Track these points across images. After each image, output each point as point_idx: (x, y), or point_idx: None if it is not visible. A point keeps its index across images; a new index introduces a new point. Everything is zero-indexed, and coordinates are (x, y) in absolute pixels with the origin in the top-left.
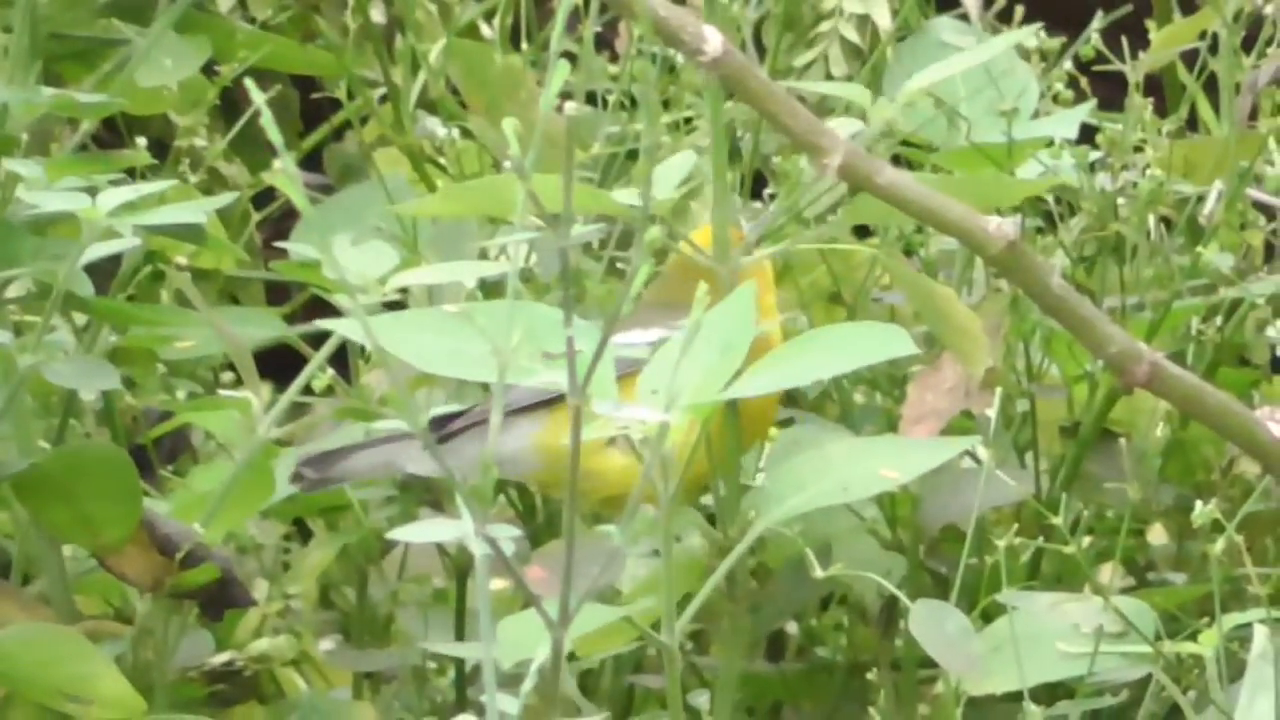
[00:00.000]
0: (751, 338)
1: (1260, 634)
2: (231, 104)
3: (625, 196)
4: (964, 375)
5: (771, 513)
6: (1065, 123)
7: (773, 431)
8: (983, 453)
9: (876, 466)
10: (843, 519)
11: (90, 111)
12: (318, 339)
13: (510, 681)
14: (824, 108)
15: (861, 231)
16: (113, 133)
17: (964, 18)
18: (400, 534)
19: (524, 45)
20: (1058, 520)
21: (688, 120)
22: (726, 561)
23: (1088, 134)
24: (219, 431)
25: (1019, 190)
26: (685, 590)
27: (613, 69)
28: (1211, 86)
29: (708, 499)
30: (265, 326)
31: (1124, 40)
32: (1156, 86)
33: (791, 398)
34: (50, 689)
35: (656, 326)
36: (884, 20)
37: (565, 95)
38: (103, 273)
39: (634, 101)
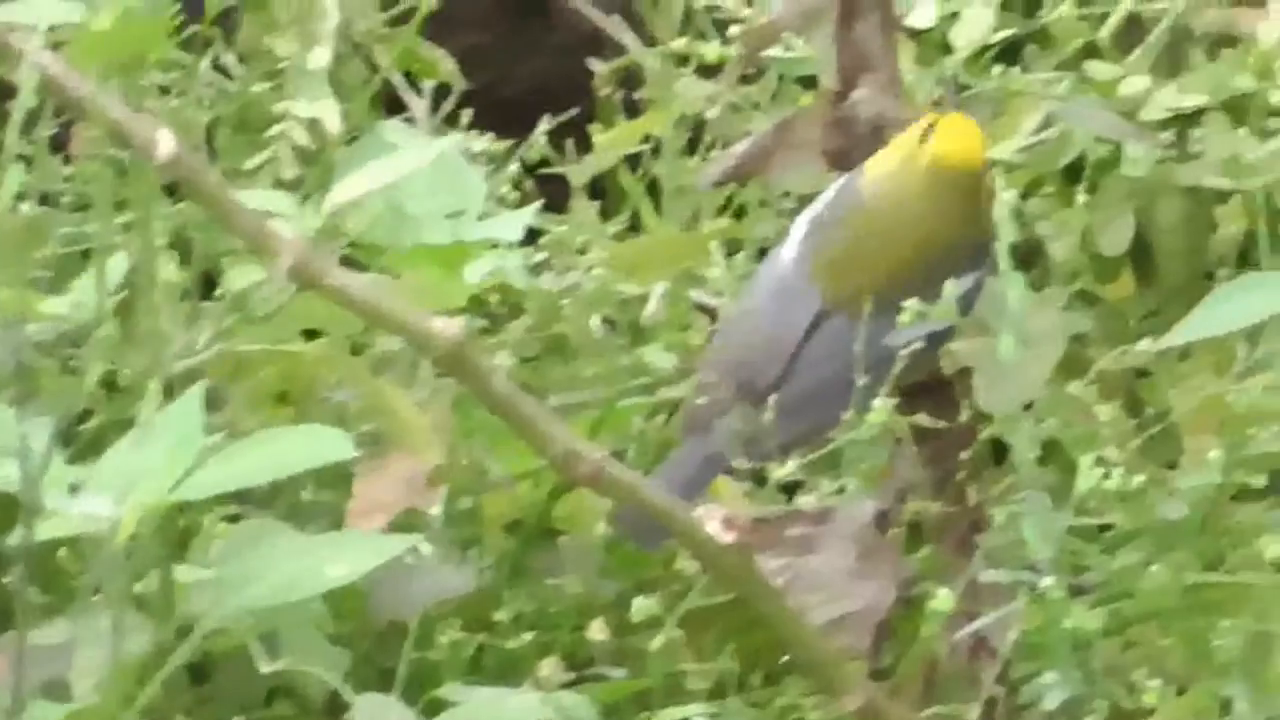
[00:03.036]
0: (200, 442)
1: None
2: None
3: (57, 305)
4: (410, 471)
5: (220, 607)
6: (511, 224)
7: (221, 527)
8: (428, 548)
9: (325, 561)
10: (290, 612)
11: None
12: None
13: None
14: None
15: (310, 331)
16: None
17: (412, 121)
18: None
19: None
20: (501, 615)
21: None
22: (173, 659)
23: (533, 235)
24: None
25: (464, 292)
26: (137, 684)
27: (67, 170)
28: (654, 189)
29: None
30: None
31: (569, 143)
32: (601, 189)
33: (241, 494)
34: None
35: None
36: (333, 123)
37: (20, 197)
38: None
39: (88, 203)
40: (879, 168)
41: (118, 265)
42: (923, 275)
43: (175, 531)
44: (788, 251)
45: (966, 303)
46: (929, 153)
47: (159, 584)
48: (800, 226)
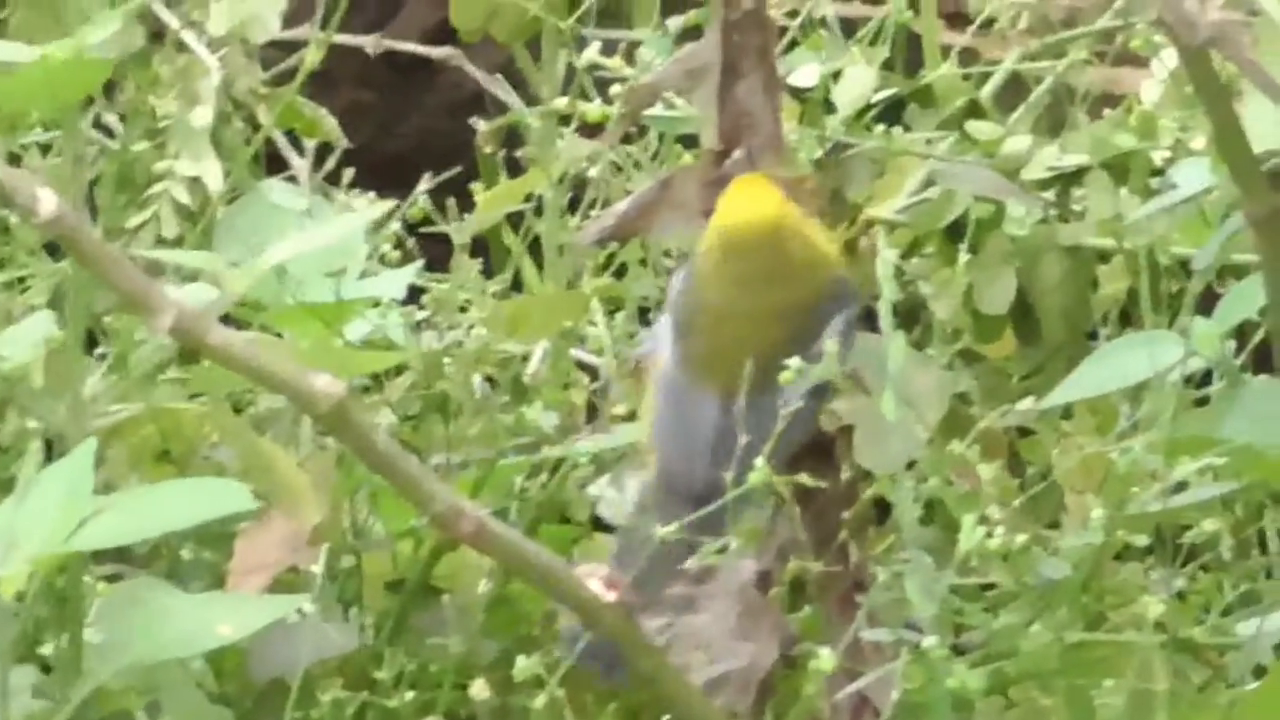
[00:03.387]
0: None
1: None
2: None
3: None
4: (291, 530)
5: (103, 668)
6: (393, 283)
7: (102, 586)
8: (309, 606)
9: (207, 621)
10: (172, 672)
11: None
12: None
13: None
14: (156, 268)
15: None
16: None
17: (294, 179)
18: None
19: None
20: (382, 674)
21: (21, 280)
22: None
23: (415, 294)
24: None
25: (352, 362)
26: None
27: None
28: (536, 247)
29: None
30: None
31: (451, 201)
32: (483, 247)
33: (121, 553)
34: None
35: None
36: (215, 182)
37: None
38: None
39: None
40: (701, 247)
41: (40, 325)
42: (789, 337)
43: (55, 590)
44: (669, 359)
45: (846, 344)
46: (714, 226)
47: (67, 642)
48: (665, 328)
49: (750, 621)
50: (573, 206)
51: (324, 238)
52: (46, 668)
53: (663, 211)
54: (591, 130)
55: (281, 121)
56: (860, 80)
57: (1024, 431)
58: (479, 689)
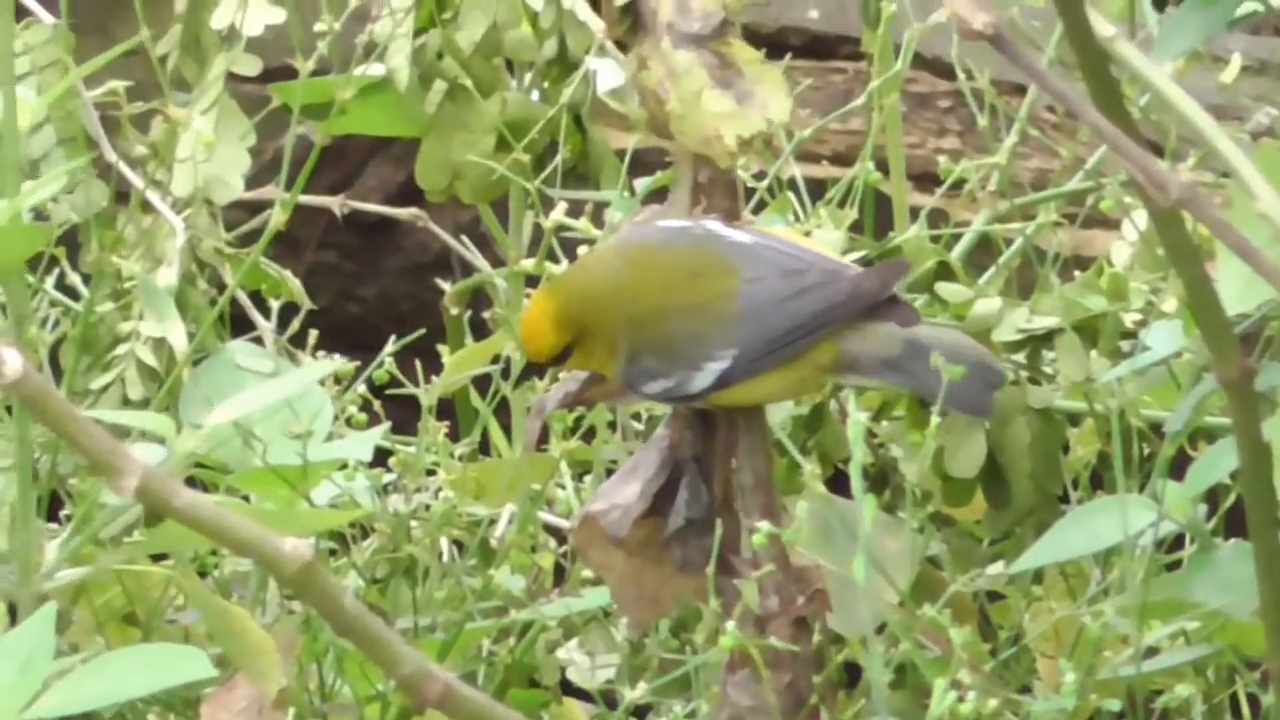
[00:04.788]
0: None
1: None
2: None
3: None
4: (257, 694)
5: None
6: (359, 445)
7: None
8: None
9: None
10: None
11: None
12: None
13: None
14: (122, 430)
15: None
16: None
17: (259, 340)
18: None
19: None
20: None
21: None
22: None
23: (381, 457)
24: None
25: (316, 521)
26: None
27: None
28: (503, 410)
29: None
30: None
31: (418, 364)
32: (450, 409)
33: (86, 718)
34: None
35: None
36: (180, 342)
37: None
38: None
39: None
40: None
41: None
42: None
43: None
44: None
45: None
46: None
47: None
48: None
49: None
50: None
51: (283, 392)
52: None
53: None
54: None
55: (246, 282)
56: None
57: (994, 595)
58: None
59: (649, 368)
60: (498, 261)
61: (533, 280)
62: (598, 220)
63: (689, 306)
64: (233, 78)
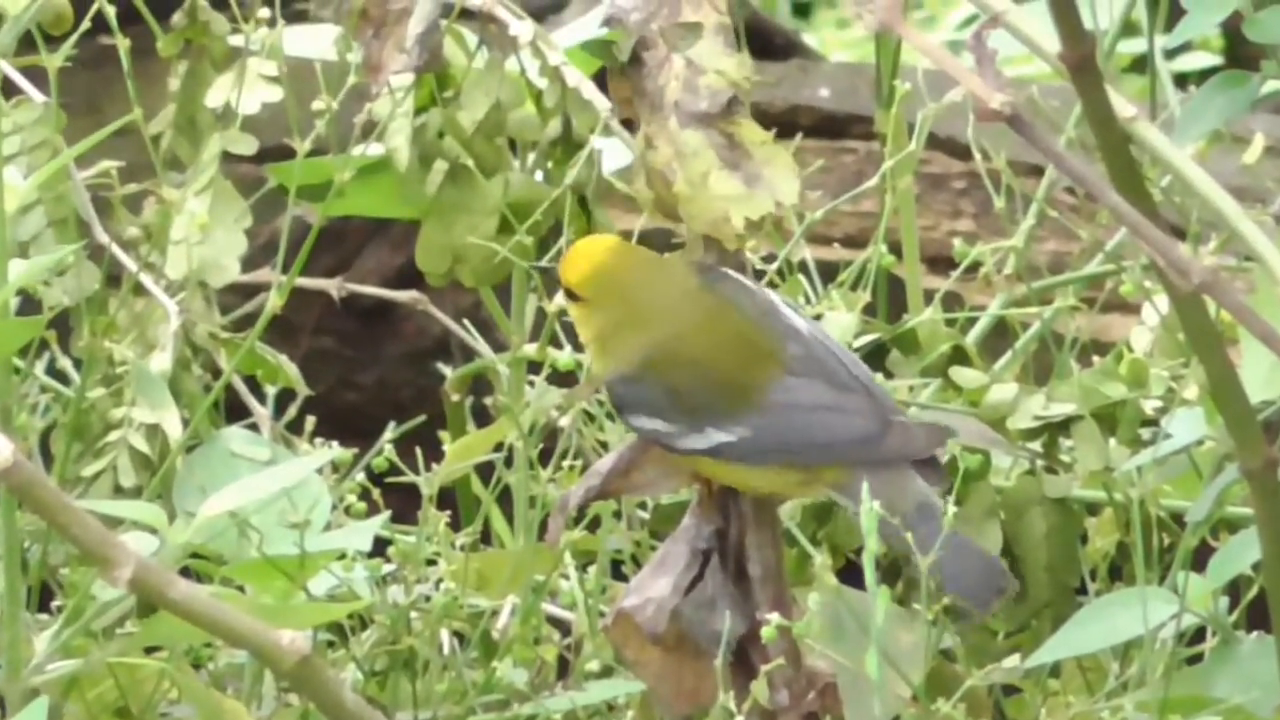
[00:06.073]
0: None
1: None
2: None
3: None
4: None
5: None
6: (358, 535)
7: None
8: None
9: None
10: None
11: None
12: None
13: None
14: (115, 520)
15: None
16: None
17: (255, 427)
18: None
19: None
20: None
21: None
22: None
23: (381, 546)
24: None
25: (314, 614)
26: None
27: None
28: (506, 499)
29: None
30: None
31: (418, 451)
32: (451, 499)
33: None
34: None
35: None
36: (174, 429)
37: None
38: None
39: None
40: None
41: None
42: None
43: None
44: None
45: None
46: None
47: None
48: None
49: None
50: (544, 457)
51: (279, 481)
52: None
53: (642, 469)
54: (562, 378)
55: (242, 368)
56: (842, 325)
57: (1010, 689)
58: None
59: (651, 401)
60: (500, 347)
61: (535, 366)
62: None
63: (724, 372)
64: (228, 158)
